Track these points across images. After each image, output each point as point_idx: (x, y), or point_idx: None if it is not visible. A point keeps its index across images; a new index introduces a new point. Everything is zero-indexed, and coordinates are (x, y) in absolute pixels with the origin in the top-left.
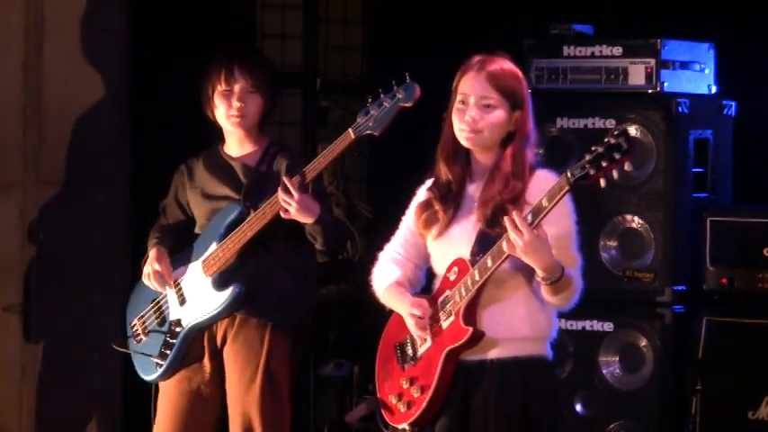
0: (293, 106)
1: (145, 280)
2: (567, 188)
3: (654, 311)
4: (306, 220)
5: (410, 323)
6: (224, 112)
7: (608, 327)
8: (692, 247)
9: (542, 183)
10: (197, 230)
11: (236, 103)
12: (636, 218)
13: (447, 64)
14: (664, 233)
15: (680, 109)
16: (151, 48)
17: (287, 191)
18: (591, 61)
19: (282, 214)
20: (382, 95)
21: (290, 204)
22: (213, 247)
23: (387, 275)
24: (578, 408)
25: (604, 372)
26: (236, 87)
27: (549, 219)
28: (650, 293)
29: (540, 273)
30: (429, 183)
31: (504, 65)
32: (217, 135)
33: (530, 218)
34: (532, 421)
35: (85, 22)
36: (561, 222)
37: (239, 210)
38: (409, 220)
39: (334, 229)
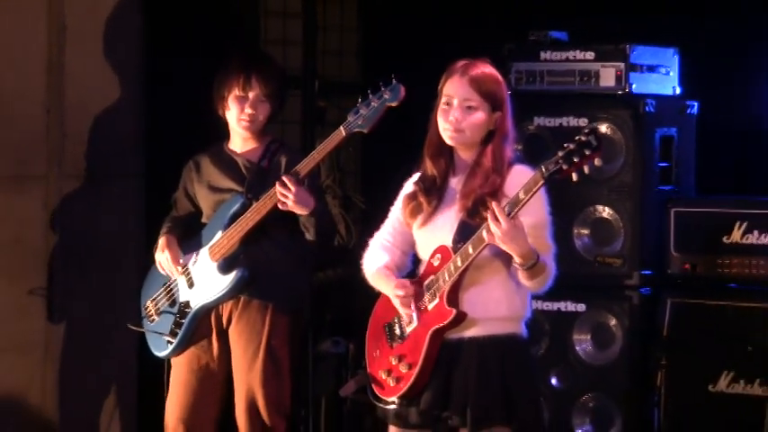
0: (293, 106)
1: (157, 265)
2: (541, 182)
3: (623, 294)
4: (301, 211)
5: (396, 302)
6: (236, 115)
7: (581, 308)
8: (657, 235)
9: (519, 177)
10: (204, 220)
11: (248, 110)
12: (606, 208)
13: (434, 67)
14: (632, 222)
15: (647, 108)
16: (164, 52)
17: (284, 185)
18: (565, 65)
19: (280, 206)
20: (371, 96)
21: (287, 197)
22: (219, 235)
23: (376, 260)
24: (554, 381)
25: (577, 349)
26: (251, 94)
27: (525, 210)
28: (619, 277)
29: (516, 259)
30: (415, 176)
31: (486, 69)
32: (222, 131)
33: (508, 209)
34: (509, 394)
35: (104, 28)
36: (537, 213)
37: (242, 201)
38: (397, 210)
39: (326, 222)
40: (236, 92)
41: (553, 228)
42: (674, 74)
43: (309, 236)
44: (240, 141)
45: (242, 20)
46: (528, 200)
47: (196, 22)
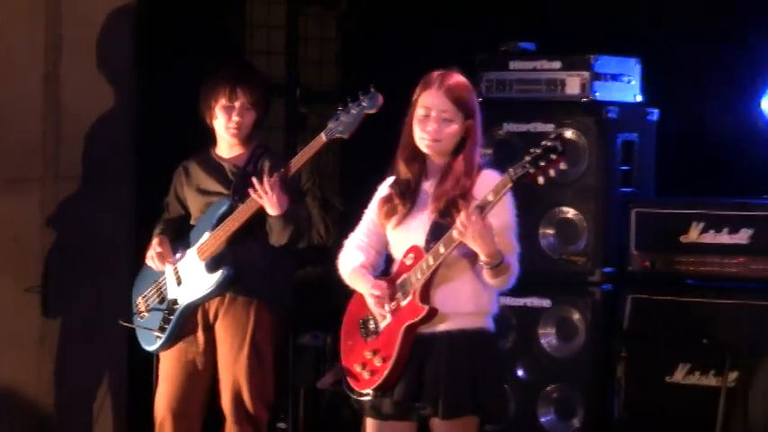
0: (277, 113)
1: (148, 261)
2: (509, 185)
3: (586, 290)
4: (272, 211)
5: (370, 302)
6: (223, 124)
7: (546, 303)
8: (619, 234)
9: (488, 180)
10: (192, 222)
11: (235, 118)
12: (571, 209)
13: (410, 76)
14: (595, 222)
15: (609, 115)
16: (156, 62)
17: (268, 184)
18: (533, 74)
19: (254, 197)
20: (350, 103)
21: (267, 193)
22: (206, 235)
23: (352, 260)
24: (520, 373)
25: (543, 342)
26: (237, 104)
27: (493, 213)
28: (583, 274)
29: (483, 258)
30: (390, 180)
31: (459, 80)
32: (209, 137)
33: (478, 210)
34: (477, 385)
35: (98, 40)
36: (503, 215)
37: (229, 203)
38: (372, 212)
39: (296, 228)
40: (223, 102)
41: (518, 230)
42: (635, 82)
43: (272, 239)
44: (227, 147)
45: (229, 32)
46: (497, 201)
47: (186, 34)
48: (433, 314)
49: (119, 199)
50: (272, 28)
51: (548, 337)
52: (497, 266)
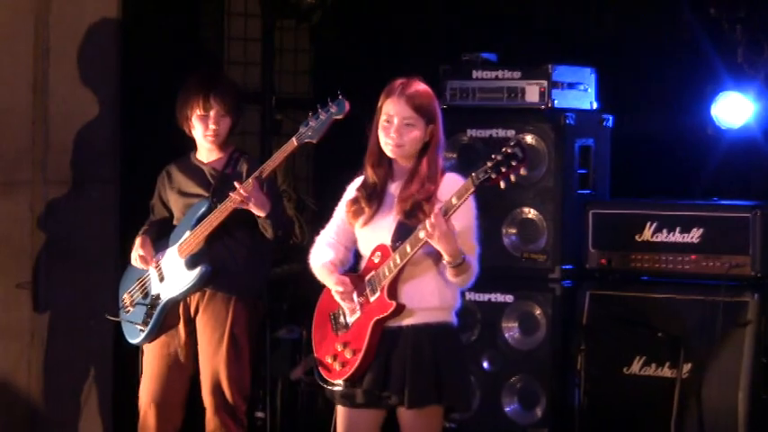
0: (253, 119)
1: (133, 261)
2: (472, 189)
3: (546, 286)
4: (258, 212)
5: (336, 297)
6: (201, 132)
7: (509, 298)
8: (577, 233)
9: (451, 184)
10: (175, 222)
11: (212, 126)
12: (532, 210)
13: (378, 85)
14: (554, 222)
15: (567, 121)
16: (139, 72)
17: (246, 189)
18: (495, 83)
19: (240, 205)
20: (319, 110)
21: (249, 198)
22: (187, 234)
23: (321, 256)
24: (485, 365)
25: (506, 335)
26: (212, 113)
27: (455, 215)
28: (543, 271)
29: (446, 257)
30: (357, 181)
31: (420, 87)
32: (190, 143)
33: (442, 212)
34: (441, 376)
35: (84, 51)
36: (465, 218)
37: (207, 204)
38: (341, 211)
39: (282, 222)
40: (198, 112)
41: (479, 232)
42: (591, 90)
43: (268, 235)
44: (206, 152)
45: (208, 43)
46: (460, 204)
47: (168, 45)
48: (400, 309)
49: (104, 201)
50: (249, 40)
51: (511, 331)
52: (459, 265)
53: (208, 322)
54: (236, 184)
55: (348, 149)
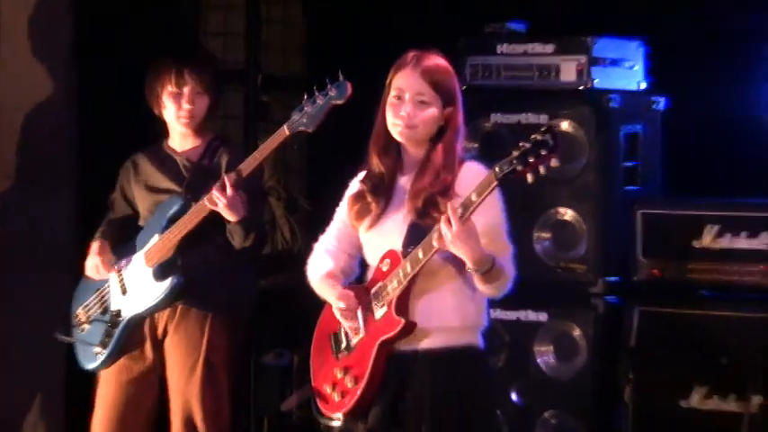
0: (235, 101)
1: (89, 271)
2: (495, 183)
3: (587, 302)
4: (230, 217)
5: (338, 314)
6: (173, 113)
7: (542, 317)
8: (623, 238)
9: (471, 174)
10: (141, 223)
11: (186, 105)
12: (569, 210)
13: (382, 64)
14: (596, 225)
15: (610, 104)
16: (99, 49)
17: (221, 187)
18: (523, 59)
19: (209, 204)
20: (316, 93)
21: (220, 200)
22: (155, 238)
23: (320, 266)
24: (514, 397)
25: (539, 361)
26: (186, 89)
27: (479, 211)
28: (583, 284)
29: (469, 264)
30: (361, 175)
31: (438, 61)
32: (161, 129)
33: (460, 211)
34: (465, 410)
35: (36, 24)
36: (490, 212)
37: (181, 202)
38: (342, 211)
39: (256, 230)
40: (170, 88)
41: (510, 227)
42: (639, 68)
43: (235, 243)
44: (180, 139)
45: (181, 11)
46: (481, 202)
47: (133, 16)
48: (410, 328)
49: (59, 198)
50: (231, 8)
51: (544, 356)
52: (488, 272)
53: (179, 345)
54: (225, 179)
55: (349, 138)
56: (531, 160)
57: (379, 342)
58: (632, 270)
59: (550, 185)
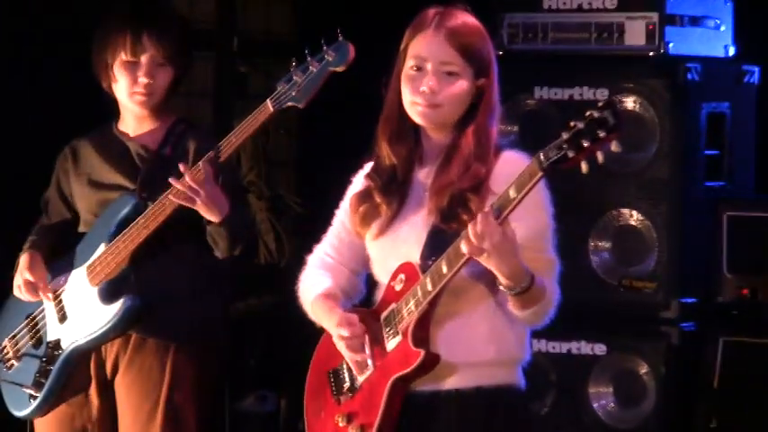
0: (204, 72)
1: (16, 292)
2: (539, 174)
3: (657, 330)
4: (211, 216)
5: (339, 345)
6: (126, 88)
7: (600, 349)
8: (704, 249)
9: (511, 167)
10: (82, 228)
11: (142, 79)
12: (635, 213)
13: (393, 20)
14: (669, 232)
15: (689, 76)
16: (28, 9)
17: (198, 176)
18: (578, 15)
19: (176, 201)
20: (309, 58)
21: (198, 194)
22: (101, 248)
23: (315, 285)
24: None
25: (595, 405)
26: (144, 58)
27: (518, 213)
28: (652, 307)
29: (502, 280)
30: (368, 168)
31: (468, 20)
32: (110, 108)
33: (495, 211)
34: None
35: None
36: (533, 217)
37: (134, 202)
38: (343, 214)
39: (244, 234)
40: (123, 56)
41: (557, 238)
42: (726, 28)
43: (219, 252)
44: (134, 122)
45: None
46: (521, 199)
47: None
48: (432, 362)
49: None
50: None
51: (603, 399)
52: (525, 292)
53: (133, 385)
54: (181, 167)
55: (352, 119)
56: (586, 144)
57: (392, 380)
58: (716, 289)
59: (611, 180)
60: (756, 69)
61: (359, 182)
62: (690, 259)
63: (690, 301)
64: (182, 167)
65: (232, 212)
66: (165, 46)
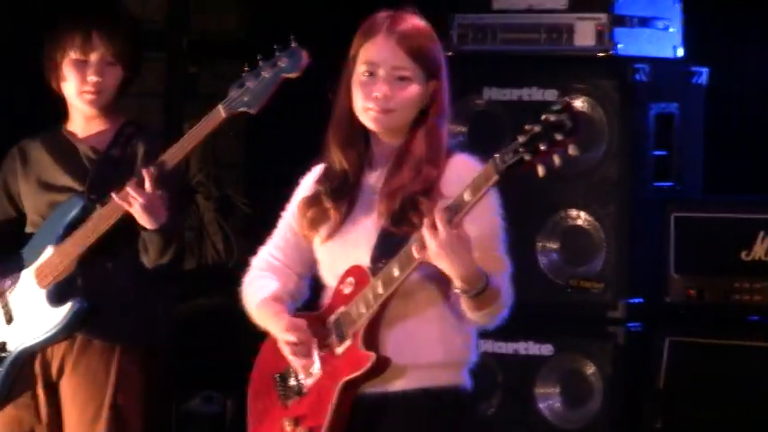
0: (154, 72)
1: None
2: (495, 178)
3: (604, 330)
4: (147, 223)
5: (286, 351)
6: (75, 87)
7: (546, 350)
8: (652, 249)
9: (461, 170)
10: (29, 229)
11: (91, 78)
12: (582, 213)
13: (342, 20)
14: (617, 232)
15: (638, 77)
16: None
17: (141, 183)
18: (528, 16)
19: (125, 206)
20: (261, 63)
21: (137, 199)
22: (49, 251)
23: (261, 288)
24: None
25: (542, 406)
26: (93, 57)
27: (469, 215)
28: (600, 307)
29: (457, 283)
30: (317, 170)
31: (417, 23)
32: (60, 109)
33: (448, 214)
34: None
35: None
36: (485, 219)
37: (82, 204)
38: (291, 217)
39: (173, 245)
40: (73, 54)
41: (508, 238)
42: (675, 29)
43: (146, 259)
44: (83, 122)
45: None
46: (476, 202)
47: None
48: (382, 365)
49: None
50: None
51: (549, 399)
52: (481, 293)
53: (79, 387)
54: (143, 173)
55: (301, 120)
56: (543, 148)
57: (341, 384)
58: (663, 290)
59: (560, 181)
60: (705, 70)
61: (307, 185)
62: (637, 260)
63: (637, 301)
64: (143, 173)
65: (168, 222)
66: (114, 45)
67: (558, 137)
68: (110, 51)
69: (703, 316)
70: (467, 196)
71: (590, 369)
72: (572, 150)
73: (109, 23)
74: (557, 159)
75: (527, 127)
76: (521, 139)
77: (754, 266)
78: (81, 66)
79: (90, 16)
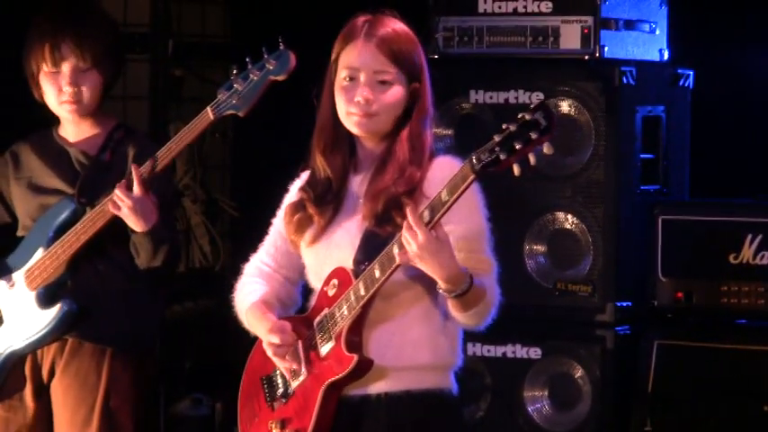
0: (138, 76)
1: None
2: (472, 177)
3: (592, 333)
4: (136, 225)
5: (270, 353)
6: (54, 97)
7: (535, 353)
8: (639, 252)
9: (444, 171)
10: (21, 232)
11: (66, 88)
12: (570, 216)
13: (325, 23)
14: (604, 235)
15: (624, 79)
16: None
17: (129, 185)
18: (513, 19)
19: (111, 208)
20: (249, 66)
21: (125, 202)
22: (39, 253)
23: (250, 293)
24: None
25: (530, 409)
26: (65, 67)
27: (453, 216)
28: (588, 311)
29: (441, 284)
30: (304, 177)
31: (397, 26)
32: (51, 114)
33: (426, 215)
34: None
35: None
36: (469, 219)
37: (72, 207)
38: (279, 223)
39: (165, 247)
40: (45, 67)
41: (494, 239)
42: (661, 32)
43: (139, 262)
44: (72, 127)
45: None
46: (453, 202)
47: None
48: (365, 367)
49: None
50: None
51: (538, 403)
52: (465, 294)
53: (69, 390)
54: (132, 170)
55: (288, 124)
56: (518, 147)
57: (325, 385)
58: (650, 293)
59: (547, 183)
60: (691, 73)
61: (294, 191)
62: (625, 263)
63: (625, 304)
64: (134, 175)
65: (158, 224)
66: (85, 51)
67: (534, 135)
68: (82, 58)
69: (691, 319)
70: (444, 196)
71: (578, 372)
72: (547, 149)
73: (79, 31)
74: (532, 158)
75: (504, 126)
76: (497, 138)
77: (743, 270)
78: (55, 77)
79: (57, 25)
